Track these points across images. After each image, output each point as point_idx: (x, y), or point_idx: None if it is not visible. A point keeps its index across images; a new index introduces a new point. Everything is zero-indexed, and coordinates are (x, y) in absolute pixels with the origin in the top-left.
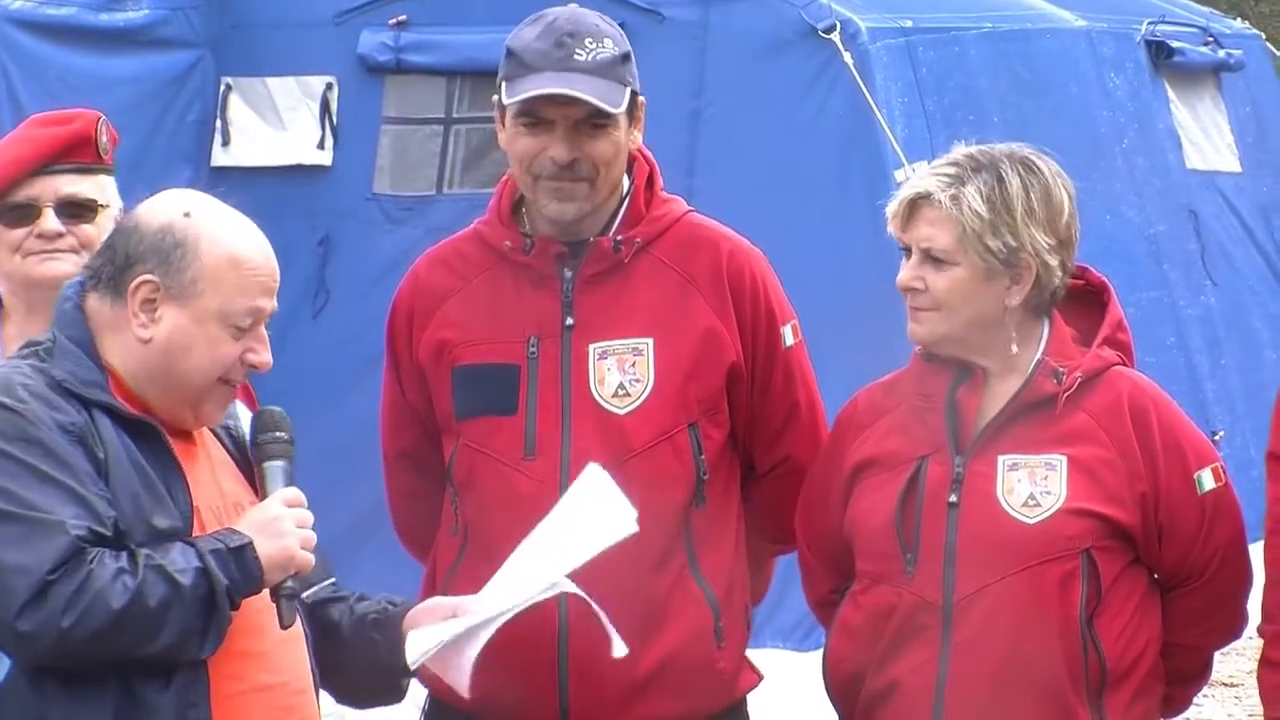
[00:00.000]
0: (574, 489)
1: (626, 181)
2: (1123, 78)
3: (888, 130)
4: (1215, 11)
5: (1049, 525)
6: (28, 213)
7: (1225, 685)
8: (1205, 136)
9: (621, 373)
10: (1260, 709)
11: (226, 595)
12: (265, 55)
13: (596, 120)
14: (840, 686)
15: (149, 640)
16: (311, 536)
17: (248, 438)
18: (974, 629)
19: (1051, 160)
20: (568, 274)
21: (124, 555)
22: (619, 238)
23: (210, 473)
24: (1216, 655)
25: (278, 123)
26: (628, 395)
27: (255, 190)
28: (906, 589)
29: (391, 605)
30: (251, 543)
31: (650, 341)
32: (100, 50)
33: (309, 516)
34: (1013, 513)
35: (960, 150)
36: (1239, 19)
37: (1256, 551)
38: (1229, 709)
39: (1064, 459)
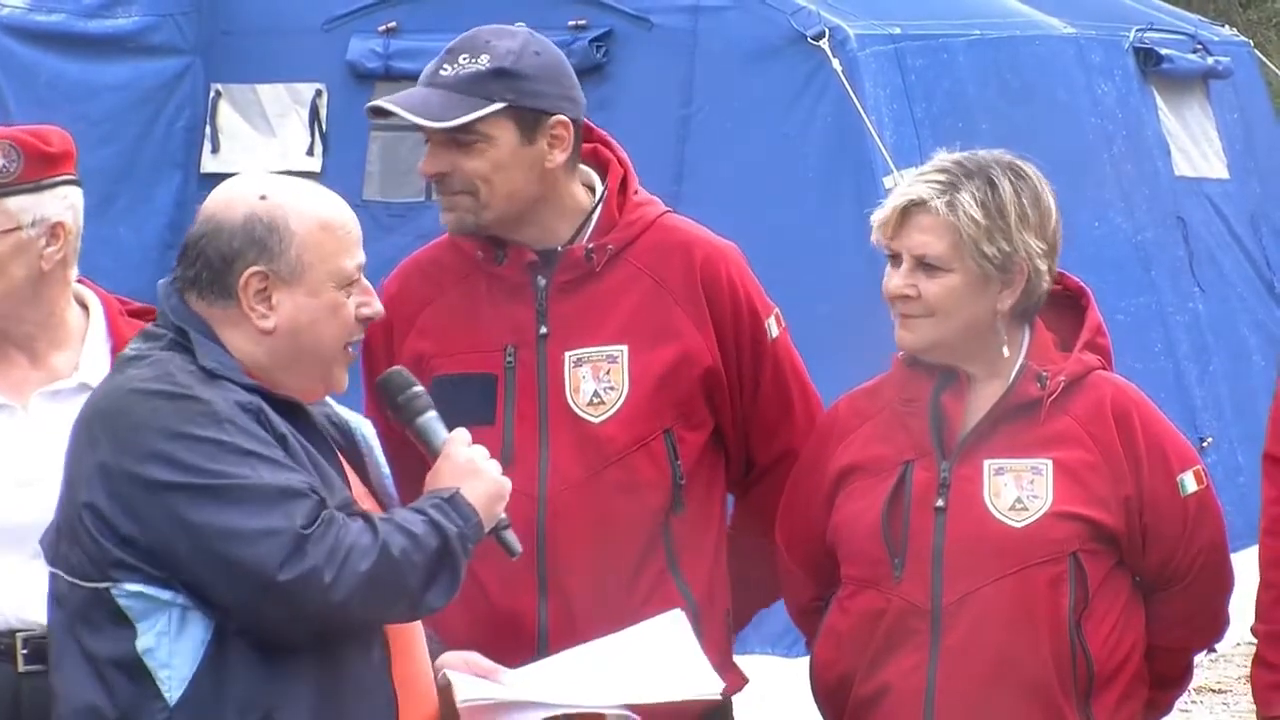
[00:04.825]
0: (654, 623)
1: (600, 187)
2: (1111, 85)
3: (876, 137)
4: (1203, 19)
5: (1037, 529)
6: None
7: (1213, 691)
8: (1193, 143)
9: (596, 380)
10: (1248, 714)
11: (461, 540)
12: (255, 62)
13: (459, 136)
14: (828, 692)
15: (397, 595)
16: (498, 465)
17: (359, 413)
18: (963, 633)
19: (1034, 166)
20: (541, 282)
21: (357, 515)
22: (590, 246)
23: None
24: (1205, 661)
25: (267, 129)
26: (602, 403)
27: None
28: (894, 594)
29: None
30: (460, 490)
31: (624, 349)
32: (90, 56)
33: (486, 449)
34: (1000, 517)
35: (946, 157)
36: (1227, 26)
37: (1247, 557)
38: (1217, 715)
39: (1049, 463)
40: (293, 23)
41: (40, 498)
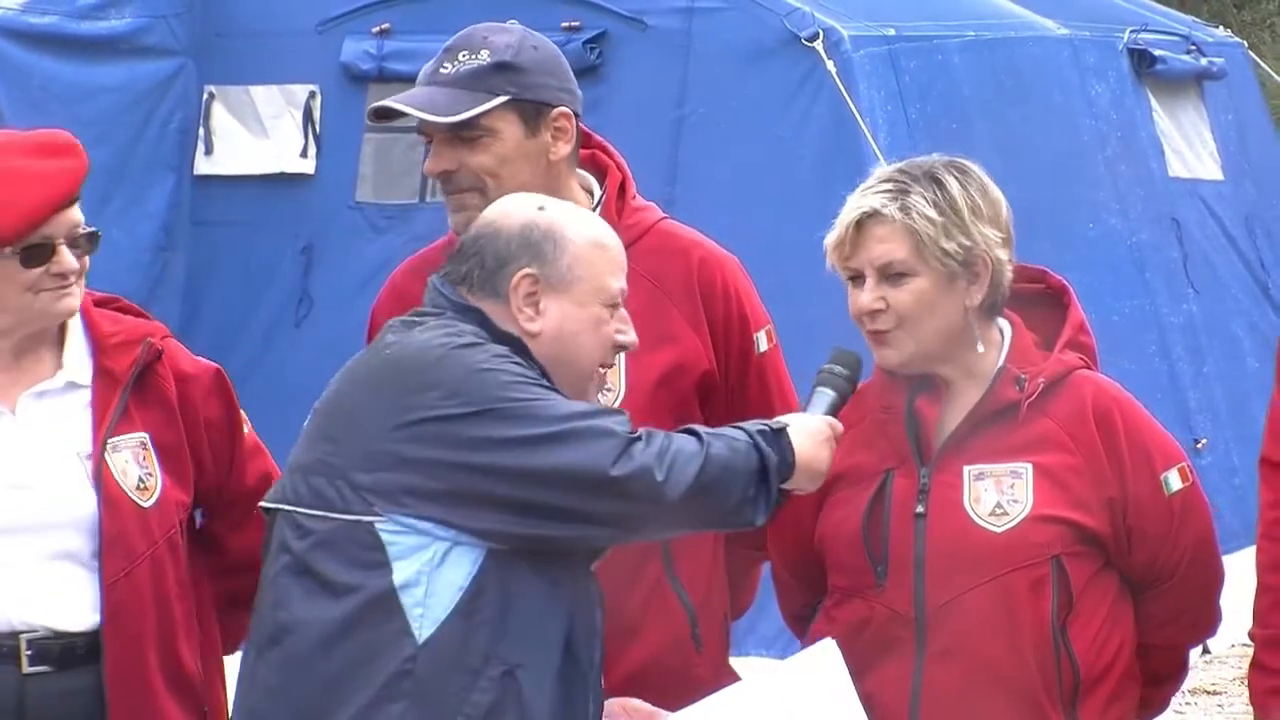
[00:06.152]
0: (805, 656)
1: (598, 191)
2: (1105, 86)
3: (870, 138)
4: (1198, 20)
5: (1017, 533)
6: (44, 251)
7: (1208, 693)
8: (1188, 144)
9: None
10: (1243, 715)
11: (777, 471)
12: (248, 63)
13: (463, 133)
14: None
15: (722, 500)
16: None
17: None
18: (947, 640)
19: (977, 163)
20: None
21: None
22: None
23: None
24: (1199, 663)
25: (260, 131)
26: None
27: (238, 199)
28: (878, 602)
29: None
30: (789, 429)
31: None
32: (83, 58)
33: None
34: (980, 522)
35: (887, 168)
36: (1221, 27)
37: (1243, 558)
38: (1211, 717)
39: (1030, 467)
40: (286, 24)
41: (34, 499)
